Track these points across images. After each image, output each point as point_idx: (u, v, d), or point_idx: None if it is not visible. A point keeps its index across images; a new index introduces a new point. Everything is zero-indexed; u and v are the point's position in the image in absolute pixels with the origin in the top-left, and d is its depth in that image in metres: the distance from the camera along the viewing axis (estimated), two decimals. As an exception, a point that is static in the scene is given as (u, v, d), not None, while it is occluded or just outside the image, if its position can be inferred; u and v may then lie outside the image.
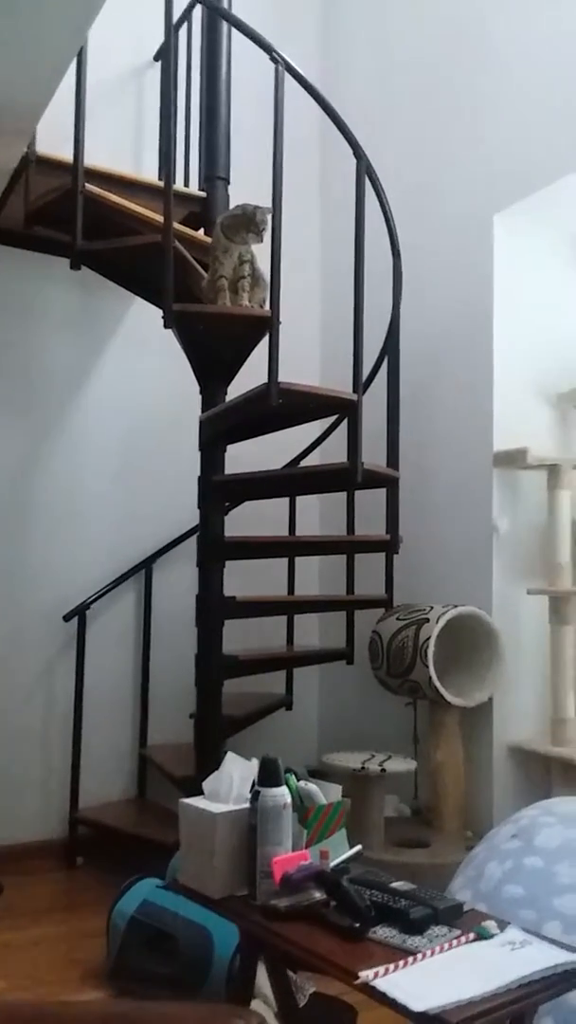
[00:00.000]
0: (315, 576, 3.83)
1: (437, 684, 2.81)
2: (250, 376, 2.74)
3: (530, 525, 3.16)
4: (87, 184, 2.77)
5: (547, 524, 3.10)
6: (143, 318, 3.45)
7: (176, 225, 2.76)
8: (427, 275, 3.41)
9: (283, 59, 2.56)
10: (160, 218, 2.68)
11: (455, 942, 1.46)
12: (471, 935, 1.49)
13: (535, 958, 1.40)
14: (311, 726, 3.82)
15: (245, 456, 3.13)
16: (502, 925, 1.53)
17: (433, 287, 3.39)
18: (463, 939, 1.48)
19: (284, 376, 2.54)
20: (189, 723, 2.96)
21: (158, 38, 3.39)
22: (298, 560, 3.62)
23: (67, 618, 3.24)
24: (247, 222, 2.65)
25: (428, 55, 3.48)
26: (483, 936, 1.49)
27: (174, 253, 2.63)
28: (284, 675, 3.57)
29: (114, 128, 3.49)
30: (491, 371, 3.12)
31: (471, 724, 3.03)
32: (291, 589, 3.56)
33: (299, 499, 3.58)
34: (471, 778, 3.00)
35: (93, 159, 2.87)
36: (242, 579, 3.15)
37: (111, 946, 2.18)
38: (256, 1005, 1.85)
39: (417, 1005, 1.22)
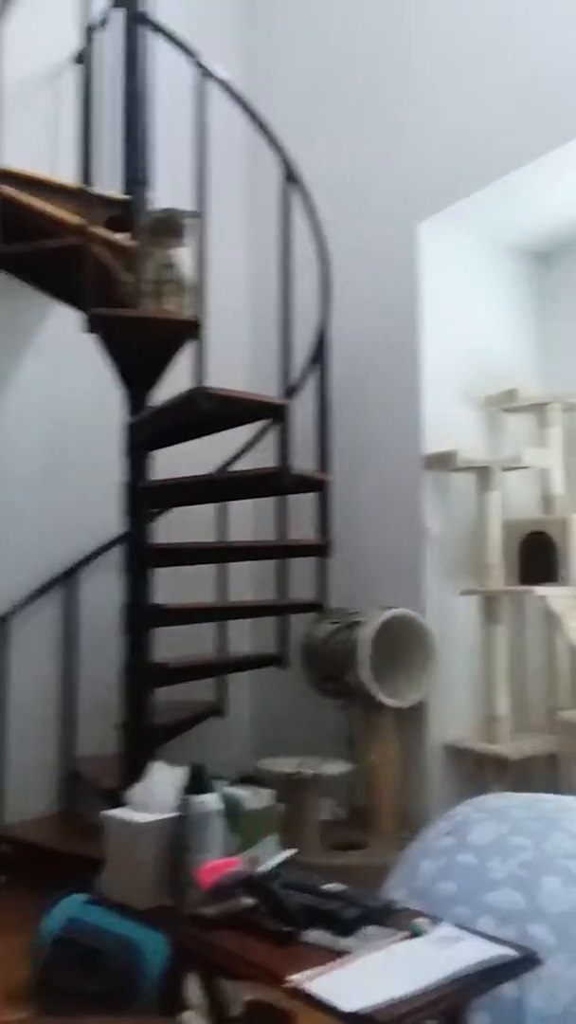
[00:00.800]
0: (248, 581, 3.80)
1: (371, 686, 2.80)
2: (179, 381, 2.71)
3: (461, 527, 3.18)
4: (3, 186, 2.71)
5: (477, 525, 3.13)
6: (65, 323, 3.38)
7: (97, 228, 2.72)
8: (355, 280, 3.42)
9: (210, 68, 2.55)
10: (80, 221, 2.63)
11: (387, 941, 1.45)
12: (404, 933, 1.48)
13: (468, 953, 1.40)
14: (246, 732, 3.78)
15: (175, 462, 3.09)
16: (435, 922, 1.52)
17: (361, 292, 3.40)
18: (396, 938, 1.46)
19: (213, 381, 2.51)
20: (118, 734, 2.90)
21: (78, 39, 3.34)
22: (231, 565, 3.58)
23: (-9, 631, 3.15)
24: (169, 226, 2.63)
25: (352, 62, 3.50)
26: (416, 934, 1.48)
27: (94, 257, 2.58)
28: (218, 682, 3.52)
29: (33, 130, 3.42)
30: (420, 375, 3.14)
31: (406, 725, 3.03)
32: (222, 595, 3.52)
33: (232, 503, 3.55)
34: (407, 778, 3.00)
35: (9, 161, 2.81)
36: (174, 584, 3.10)
37: (36, 965, 2.10)
38: (188, 1017, 1.80)
39: (347, 1006, 1.20)
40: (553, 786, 2.83)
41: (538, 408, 3.21)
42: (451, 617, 3.11)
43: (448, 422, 3.19)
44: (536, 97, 2.78)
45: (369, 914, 1.51)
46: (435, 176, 3.12)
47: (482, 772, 3.02)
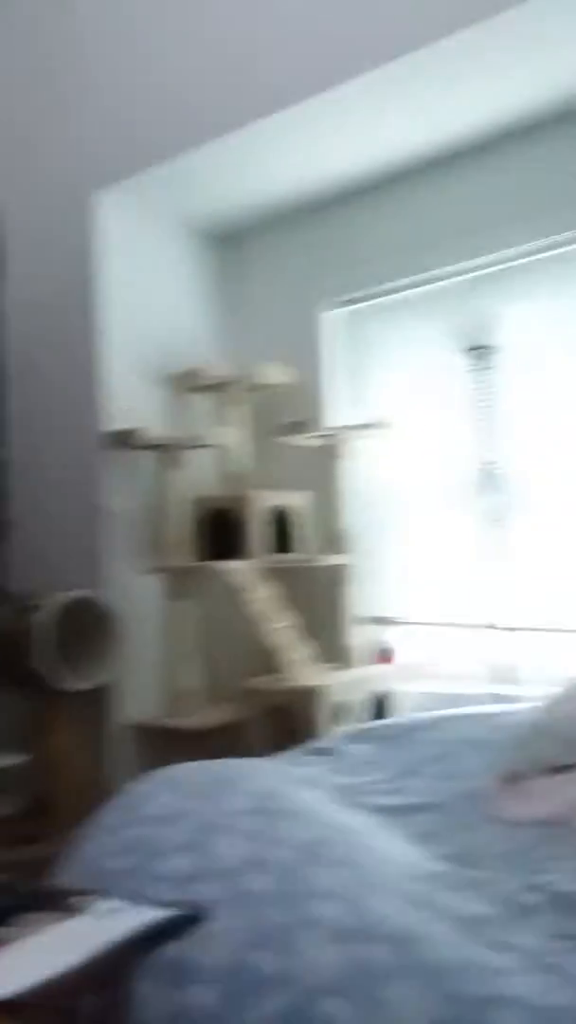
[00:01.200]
0: None
1: (51, 672, 2.69)
2: None
3: (146, 505, 3.16)
4: None
5: (160, 503, 3.12)
6: None
7: None
8: (31, 247, 3.26)
9: None
10: None
11: (45, 925, 1.38)
12: (66, 915, 1.42)
13: (126, 923, 1.37)
14: None
15: None
16: (98, 899, 1.47)
17: (37, 261, 3.25)
18: (56, 920, 1.40)
19: None
20: None
21: None
22: None
23: None
24: None
25: (25, 22, 3.33)
26: (79, 914, 1.42)
27: None
28: None
29: None
30: (98, 351, 3.07)
31: (92, 708, 2.95)
32: None
33: None
34: (94, 763, 2.93)
35: None
36: None
37: None
38: None
39: (-14, 995, 1.12)
40: (244, 753, 2.90)
41: (222, 387, 3.27)
42: (137, 596, 3.08)
43: (133, 400, 3.14)
44: (220, 74, 2.77)
45: (26, 901, 1.43)
46: (112, 146, 3.05)
47: (173, 747, 3.02)
